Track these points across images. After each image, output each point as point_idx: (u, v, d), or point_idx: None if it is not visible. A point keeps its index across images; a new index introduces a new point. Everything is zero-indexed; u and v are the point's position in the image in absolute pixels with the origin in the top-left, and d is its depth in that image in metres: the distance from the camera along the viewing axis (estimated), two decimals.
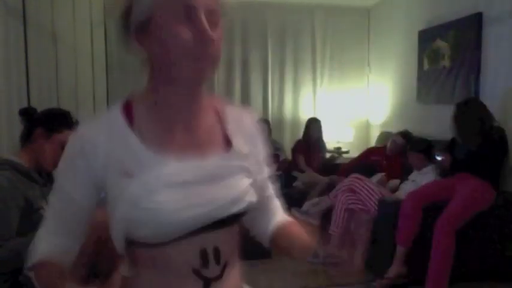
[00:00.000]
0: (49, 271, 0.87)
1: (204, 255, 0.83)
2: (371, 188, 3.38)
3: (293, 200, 3.91)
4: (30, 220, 1.77)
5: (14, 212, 1.71)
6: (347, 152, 5.21)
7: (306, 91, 5.50)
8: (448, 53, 3.82)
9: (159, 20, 0.80)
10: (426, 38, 4.14)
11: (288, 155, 4.73)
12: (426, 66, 4.17)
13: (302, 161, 4.48)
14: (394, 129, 4.57)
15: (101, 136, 0.82)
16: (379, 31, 5.36)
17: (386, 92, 5.11)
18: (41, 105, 2.28)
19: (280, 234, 1.02)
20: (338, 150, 5.20)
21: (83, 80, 4.09)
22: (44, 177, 1.93)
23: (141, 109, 0.86)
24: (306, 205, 3.81)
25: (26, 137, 1.87)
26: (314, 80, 5.51)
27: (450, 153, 3.08)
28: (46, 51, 3.17)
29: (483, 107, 2.96)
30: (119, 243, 0.87)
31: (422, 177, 3.29)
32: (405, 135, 4.04)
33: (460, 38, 3.63)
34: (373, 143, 5.04)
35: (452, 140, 3.11)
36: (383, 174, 3.86)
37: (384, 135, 4.60)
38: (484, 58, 3.40)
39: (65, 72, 3.55)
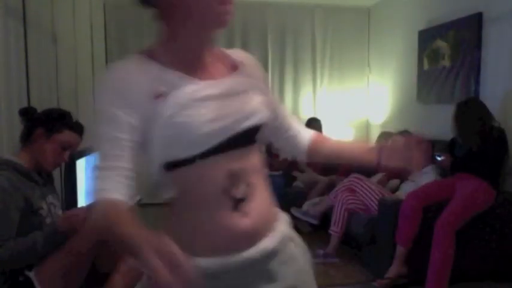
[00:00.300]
0: (125, 212, 0.82)
1: (231, 175, 0.90)
2: (371, 188, 3.38)
3: (293, 200, 3.92)
4: (30, 220, 1.77)
5: (13, 213, 1.71)
6: None
7: (306, 91, 5.50)
8: (448, 53, 3.82)
9: None
10: (426, 38, 4.14)
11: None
12: (426, 66, 4.17)
13: (302, 161, 4.48)
14: (394, 129, 4.57)
15: (131, 72, 0.90)
16: (379, 31, 5.36)
17: (386, 92, 5.11)
18: (41, 105, 2.28)
19: (319, 144, 1.15)
20: None
21: (83, 80, 4.09)
22: (44, 178, 1.93)
23: (160, 52, 0.94)
24: (306, 205, 3.81)
25: (26, 137, 1.87)
26: (314, 80, 5.50)
27: (450, 153, 3.08)
28: (46, 51, 3.17)
29: (483, 107, 2.96)
30: (156, 169, 0.92)
31: (422, 177, 3.28)
32: (405, 135, 4.04)
33: (460, 38, 3.63)
34: (373, 143, 5.04)
35: (452, 140, 3.11)
36: (383, 174, 3.86)
37: (384, 135, 4.60)
38: (484, 58, 3.40)
39: (65, 72, 3.55)
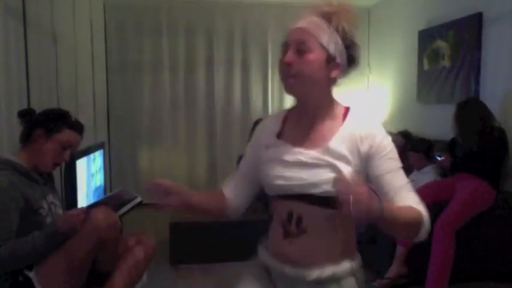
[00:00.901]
0: (215, 193, 1.38)
1: (289, 215, 1.21)
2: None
3: None
4: (30, 220, 1.77)
5: (14, 213, 1.71)
6: None
7: None
8: (448, 53, 3.82)
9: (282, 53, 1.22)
10: (426, 38, 4.14)
11: None
12: (426, 66, 4.17)
13: None
14: (394, 129, 4.57)
15: (266, 127, 1.32)
16: (379, 31, 5.36)
17: (387, 92, 5.11)
18: (41, 105, 2.29)
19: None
20: None
21: (83, 80, 4.09)
22: (44, 177, 1.93)
23: (290, 116, 1.31)
24: None
25: (26, 138, 1.87)
26: None
27: (450, 153, 3.08)
28: (46, 51, 3.17)
29: (483, 107, 2.96)
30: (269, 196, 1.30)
31: (422, 177, 3.28)
32: (405, 135, 4.04)
33: (460, 38, 3.63)
34: None
35: (452, 140, 3.11)
36: None
37: None
38: (484, 58, 3.40)
39: (65, 72, 3.55)
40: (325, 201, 1.13)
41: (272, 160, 1.23)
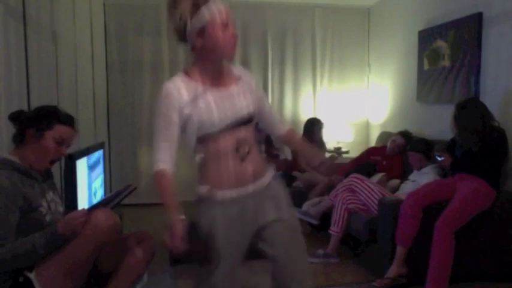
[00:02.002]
0: (168, 181, 1.54)
1: (238, 142, 1.55)
2: (371, 188, 3.37)
3: (293, 200, 3.91)
4: (29, 218, 1.77)
5: (13, 212, 1.71)
6: (347, 152, 5.21)
7: (306, 91, 5.50)
8: (448, 53, 3.82)
9: (211, 29, 1.50)
10: (426, 38, 4.14)
11: (288, 155, 4.73)
12: (426, 66, 4.17)
13: (302, 161, 4.48)
14: (394, 129, 4.57)
15: (177, 86, 1.54)
16: (379, 31, 5.36)
17: (386, 92, 5.11)
18: (41, 105, 2.27)
19: (287, 139, 1.84)
20: (338, 150, 5.20)
21: (83, 80, 4.09)
22: (43, 174, 1.93)
23: (194, 71, 1.58)
24: (306, 205, 3.81)
25: (19, 139, 1.86)
26: (314, 80, 5.50)
27: (450, 153, 3.07)
28: (46, 51, 3.17)
29: (483, 107, 2.95)
30: (192, 142, 1.55)
31: (422, 177, 3.29)
32: (405, 135, 4.04)
33: (460, 38, 3.63)
34: (373, 143, 5.04)
35: (452, 140, 3.11)
36: (383, 174, 3.85)
37: (384, 135, 4.60)
38: (484, 58, 3.40)
39: (65, 72, 3.55)
40: (250, 120, 1.59)
41: (207, 105, 1.52)
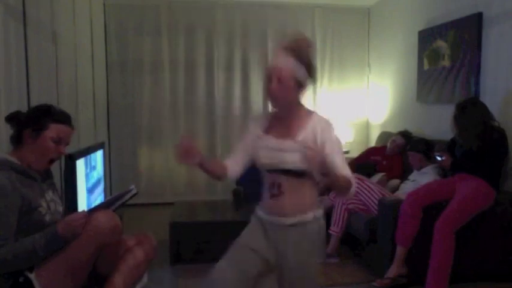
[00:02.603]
0: (220, 163, 1.87)
1: (273, 183, 1.79)
2: (371, 188, 3.38)
3: None
4: (29, 218, 1.77)
5: (13, 212, 1.71)
6: (347, 152, 5.20)
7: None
8: (448, 53, 3.82)
9: (267, 80, 1.75)
10: (426, 38, 4.15)
11: None
12: (426, 66, 4.17)
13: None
14: (394, 129, 4.57)
15: (254, 119, 1.96)
16: (379, 31, 5.36)
17: (386, 92, 5.11)
18: (35, 105, 2.27)
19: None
20: None
21: (83, 80, 4.09)
22: (43, 174, 1.92)
23: (270, 117, 1.89)
24: None
25: (18, 140, 1.86)
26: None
27: (450, 153, 3.07)
28: (46, 51, 3.17)
29: (483, 107, 2.96)
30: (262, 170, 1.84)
31: (422, 177, 3.29)
32: (405, 135, 4.04)
33: (460, 38, 3.63)
34: (373, 143, 5.04)
35: (452, 140, 3.11)
36: (383, 174, 3.85)
37: (384, 135, 4.60)
38: (484, 58, 3.40)
39: (65, 72, 3.55)
40: (295, 173, 1.75)
41: (262, 147, 1.79)
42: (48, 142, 1.84)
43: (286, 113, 1.80)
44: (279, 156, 1.75)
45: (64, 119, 1.91)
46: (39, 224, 1.79)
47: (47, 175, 1.98)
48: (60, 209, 1.98)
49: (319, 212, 1.86)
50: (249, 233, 1.87)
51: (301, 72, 1.73)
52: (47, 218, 1.83)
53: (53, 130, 1.85)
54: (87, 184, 2.89)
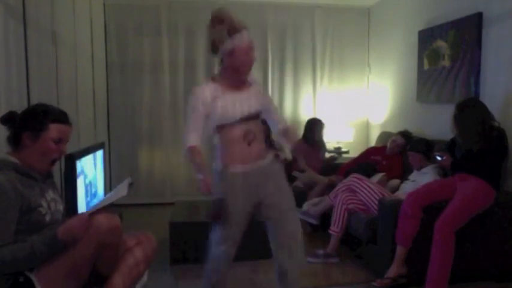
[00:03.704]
0: (198, 153, 2.07)
1: (246, 131, 2.09)
2: (371, 188, 3.38)
3: None
4: (29, 218, 1.76)
5: (12, 213, 1.70)
6: (347, 152, 5.21)
7: (306, 91, 5.50)
8: (448, 53, 3.82)
9: (238, 52, 2.06)
10: (426, 38, 4.14)
11: (288, 155, 4.73)
12: (426, 66, 4.17)
13: (302, 161, 4.47)
14: (394, 129, 4.57)
15: (203, 88, 2.14)
16: (379, 31, 5.36)
17: (386, 92, 5.11)
18: (31, 106, 2.27)
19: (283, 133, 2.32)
20: (338, 150, 5.20)
21: (83, 80, 4.09)
22: (43, 174, 1.92)
23: (220, 81, 2.15)
24: (306, 205, 3.81)
25: (17, 142, 1.84)
26: (314, 80, 5.50)
27: (450, 153, 3.07)
28: (46, 51, 3.17)
29: (483, 107, 2.95)
30: (212, 129, 2.13)
31: (422, 177, 3.28)
32: (405, 135, 4.04)
33: (460, 38, 3.63)
34: (373, 143, 5.04)
35: (452, 140, 3.11)
36: (383, 174, 3.85)
37: (384, 135, 4.60)
38: (484, 58, 3.40)
39: (65, 72, 3.55)
40: (258, 116, 2.15)
41: (227, 103, 2.07)
42: (49, 143, 1.84)
43: (244, 77, 2.15)
44: (244, 104, 2.09)
45: (62, 118, 1.90)
46: (39, 224, 1.78)
47: (47, 175, 1.97)
48: (61, 207, 1.98)
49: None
50: (231, 201, 2.08)
51: None
52: (47, 217, 1.83)
53: (53, 131, 1.85)
54: (86, 184, 2.89)
